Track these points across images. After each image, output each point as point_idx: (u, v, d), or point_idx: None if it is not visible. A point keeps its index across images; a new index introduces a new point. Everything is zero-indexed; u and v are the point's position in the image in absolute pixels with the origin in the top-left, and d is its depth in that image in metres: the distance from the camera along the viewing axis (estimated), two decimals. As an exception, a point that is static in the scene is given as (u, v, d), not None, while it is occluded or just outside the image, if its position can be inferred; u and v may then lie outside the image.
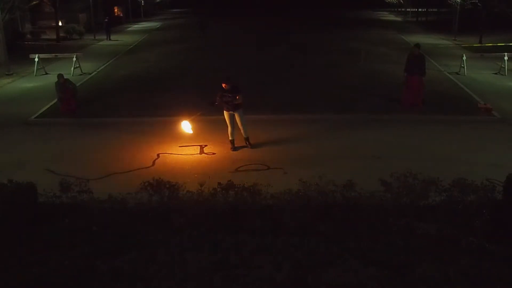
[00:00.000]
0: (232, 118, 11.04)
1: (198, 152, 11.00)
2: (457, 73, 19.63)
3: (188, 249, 6.19)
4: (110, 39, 34.75)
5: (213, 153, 10.96)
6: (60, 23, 36.06)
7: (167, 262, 5.92)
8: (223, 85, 10.82)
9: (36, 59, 20.87)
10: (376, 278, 5.56)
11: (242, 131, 11.17)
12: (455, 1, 32.85)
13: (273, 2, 73.22)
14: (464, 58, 19.67)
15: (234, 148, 11.13)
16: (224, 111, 11.07)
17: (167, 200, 6.96)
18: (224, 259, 5.94)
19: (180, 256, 6.03)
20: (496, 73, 19.57)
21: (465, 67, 19.48)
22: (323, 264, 5.81)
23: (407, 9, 58.78)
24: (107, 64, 23.86)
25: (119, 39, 35.20)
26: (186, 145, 11.37)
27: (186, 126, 11.28)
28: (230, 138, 11.23)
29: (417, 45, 14.65)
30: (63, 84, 14.23)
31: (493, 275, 5.59)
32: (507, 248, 6.10)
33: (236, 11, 64.07)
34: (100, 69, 22.45)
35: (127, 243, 6.36)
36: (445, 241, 6.24)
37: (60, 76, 14.36)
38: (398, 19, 55.67)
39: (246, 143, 11.26)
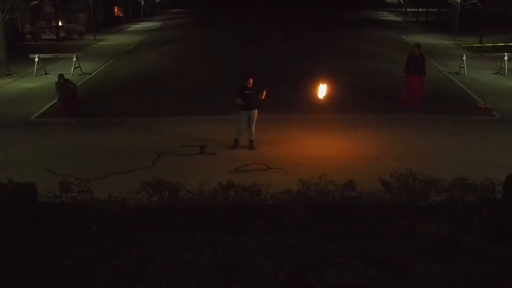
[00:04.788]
0: (247, 117, 10.95)
1: (198, 152, 11.00)
2: (457, 73, 19.64)
3: (188, 249, 6.19)
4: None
5: (213, 153, 10.96)
6: (60, 23, 36.08)
7: (167, 262, 5.92)
8: (250, 81, 10.74)
9: (36, 59, 20.87)
10: (376, 278, 5.56)
11: (251, 132, 11.08)
12: (455, 1, 32.85)
13: (272, 2, 73.14)
14: (464, 58, 19.66)
15: (234, 147, 11.11)
16: (241, 110, 10.97)
17: (167, 200, 6.96)
18: (224, 259, 5.94)
19: (180, 256, 6.04)
20: (496, 73, 19.58)
21: (465, 67, 19.48)
22: (323, 264, 5.81)
23: (407, 9, 58.79)
24: (107, 64, 23.86)
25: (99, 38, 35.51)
26: (186, 145, 11.37)
27: (322, 89, 11.36)
28: (236, 138, 11.15)
29: (418, 45, 14.65)
30: (63, 84, 14.23)
31: (493, 275, 5.59)
32: (507, 248, 6.11)
33: (236, 11, 64.01)
34: (100, 69, 22.46)
35: (127, 243, 6.36)
36: (445, 241, 6.25)
37: (60, 76, 14.36)
38: (398, 19, 55.68)
39: (250, 146, 11.18)
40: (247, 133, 11.13)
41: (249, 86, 10.78)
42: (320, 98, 11.61)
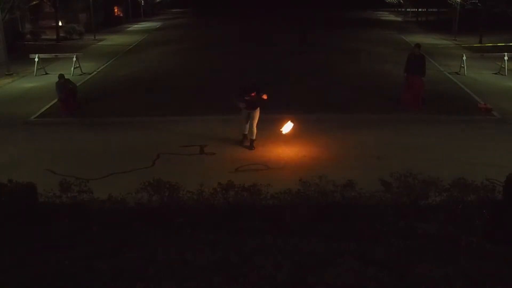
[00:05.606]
0: (249, 116, 11.16)
1: (198, 152, 11.01)
2: (457, 73, 19.63)
3: (188, 249, 6.18)
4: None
5: (213, 153, 10.97)
6: (60, 23, 36.07)
7: (167, 262, 5.91)
8: (252, 94, 10.92)
9: (36, 59, 20.88)
10: (376, 278, 5.55)
11: (252, 131, 11.21)
12: (455, 1, 32.84)
13: (273, 2, 73.12)
14: (464, 58, 19.66)
15: (242, 143, 11.32)
16: (243, 109, 11.21)
17: (167, 200, 6.96)
18: (224, 259, 5.94)
19: (180, 256, 6.03)
20: (496, 73, 19.57)
21: (465, 67, 19.48)
22: (323, 264, 5.81)
23: (407, 9, 58.80)
24: (107, 64, 23.86)
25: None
26: (186, 145, 11.37)
27: (288, 126, 11.47)
28: (244, 132, 11.37)
29: (418, 45, 14.65)
30: (63, 84, 14.24)
31: (493, 275, 5.59)
32: (507, 248, 6.11)
33: (235, 11, 63.99)
34: (100, 69, 22.46)
35: (127, 243, 6.36)
36: (445, 241, 6.24)
37: (60, 76, 14.38)
38: (398, 19, 55.67)
39: (250, 145, 11.26)
40: (248, 131, 11.23)
41: (249, 97, 10.97)
42: (283, 133, 11.55)
